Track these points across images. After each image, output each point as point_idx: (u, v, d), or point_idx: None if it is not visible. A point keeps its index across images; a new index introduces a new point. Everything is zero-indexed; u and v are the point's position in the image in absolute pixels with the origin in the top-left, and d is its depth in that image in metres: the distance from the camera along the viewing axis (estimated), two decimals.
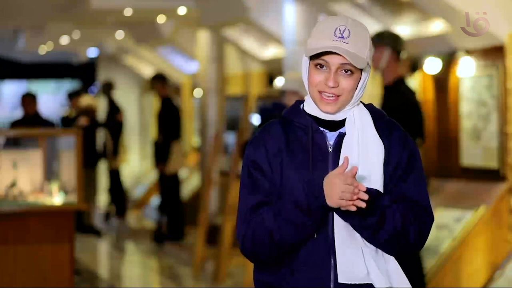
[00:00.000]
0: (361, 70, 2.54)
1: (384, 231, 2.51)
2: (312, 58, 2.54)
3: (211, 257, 8.62)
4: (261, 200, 2.56)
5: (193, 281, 8.50)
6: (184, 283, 8.41)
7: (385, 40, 5.67)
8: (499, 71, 6.31)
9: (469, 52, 6.67)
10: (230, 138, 8.88)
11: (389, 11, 7.52)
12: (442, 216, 6.52)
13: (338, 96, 2.52)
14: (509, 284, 5.90)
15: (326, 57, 2.51)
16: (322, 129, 2.58)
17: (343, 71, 2.52)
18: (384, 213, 2.51)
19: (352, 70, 2.52)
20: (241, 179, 2.63)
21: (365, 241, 2.52)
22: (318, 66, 2.53)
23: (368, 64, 2.54)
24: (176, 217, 10.64)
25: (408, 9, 7.35)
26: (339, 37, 2.49)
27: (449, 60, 6.90)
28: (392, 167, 2.57)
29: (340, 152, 2.54)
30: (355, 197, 2.41)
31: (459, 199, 6.60)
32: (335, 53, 2.49)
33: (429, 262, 6.23)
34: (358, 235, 2.52)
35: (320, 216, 2.48)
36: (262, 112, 6.74)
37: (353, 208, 2.43)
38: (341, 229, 2.51)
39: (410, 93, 5.74)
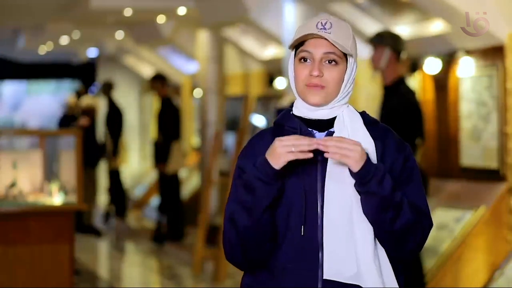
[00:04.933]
0: (346, 61, 2.54)
1: (402, 217, 2.48)
2: (296, 52, 2.56)
3: (211, 257, 8.61)
4: None
5: (193, 281, 8.49)
6: (184, 283, 8.41)
7: (385, 40, 5.67)
8: (499, 71, 6.31)
9: (469, 52, 6.67)
10: (230, 138, 8.87)
11: (389, 11, 7.52)
12: (442, 216, 6.52)
13: (323, 86, 2.52)
14: (509, 284, 5.90)
15: (309, 48, 2.52)
16: (311, 129, 2.57)
17: (327, 61, 2.52)
18: (398, 193, 2.48)
19: (337, 61, 2.52)
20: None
21: (360, 239, 2.48)
22: (302, 60, 2.54)
23: (352, 56, 2.55)
24: (176, 217, 10.63)
25: (408, 9, 7.35)
26: (321, 28, 2.51)
27: (449, 60, 6.90)
28: (387, 167, 2.54)
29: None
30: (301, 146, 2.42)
31: (459, 199, 6.60)
32: (318, 43, 2.50)
33: (429, 262, 6.23)
34: (350, 233, 2.47)
35: (269, 186, 2.47)
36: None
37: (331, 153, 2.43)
38: (331, 227, 2.48)
39: (410, 93, 5.75)
